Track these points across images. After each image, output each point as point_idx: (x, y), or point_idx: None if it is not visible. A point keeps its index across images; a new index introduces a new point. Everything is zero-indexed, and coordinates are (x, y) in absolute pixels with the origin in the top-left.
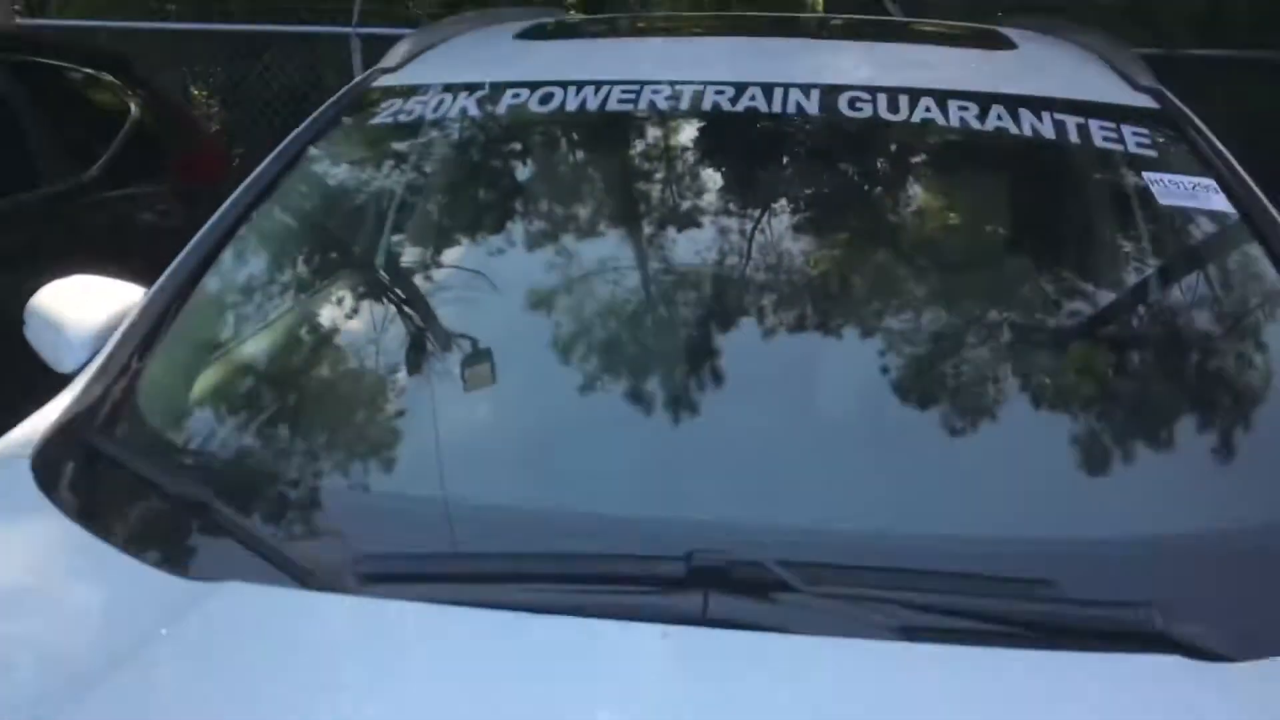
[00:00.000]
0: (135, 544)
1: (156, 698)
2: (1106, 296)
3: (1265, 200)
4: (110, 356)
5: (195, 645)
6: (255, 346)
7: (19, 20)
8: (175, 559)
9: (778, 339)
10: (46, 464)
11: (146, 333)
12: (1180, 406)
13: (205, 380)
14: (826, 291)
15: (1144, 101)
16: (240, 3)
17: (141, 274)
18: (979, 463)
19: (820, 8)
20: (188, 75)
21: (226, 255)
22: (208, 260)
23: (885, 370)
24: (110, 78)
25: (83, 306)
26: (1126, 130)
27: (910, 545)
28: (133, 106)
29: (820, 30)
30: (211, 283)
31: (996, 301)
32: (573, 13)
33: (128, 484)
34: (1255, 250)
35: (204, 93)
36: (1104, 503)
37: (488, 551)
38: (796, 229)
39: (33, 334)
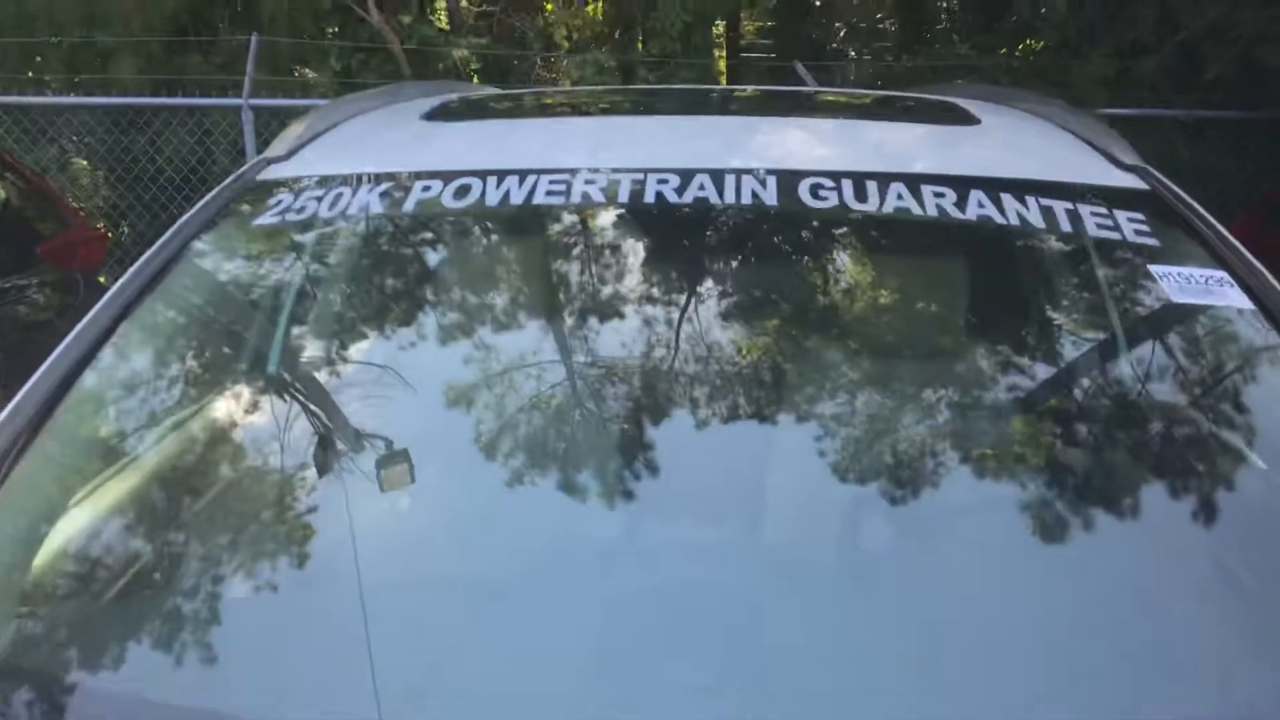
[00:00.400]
0: None
1: None
2: (1114, 410)
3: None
4: None
5: None
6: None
7: None
8: None
9: (711, 450)
10: None
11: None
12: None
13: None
14: (780, 406)
15: (1131, 182)
16: (126, 72)
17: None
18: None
19: (723, 80)
20: (71, 149)
21: (88, 378)
22: (66, 383)
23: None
24: None
25: None
26: (1121, 216)
27: None
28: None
29: (760, 106)
30: (65, 415)
31: (997, 421)
32: (481, 85)
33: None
34: (1268, 348)
35: (88, 165)
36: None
37: None
38: (757, 332)
39: None
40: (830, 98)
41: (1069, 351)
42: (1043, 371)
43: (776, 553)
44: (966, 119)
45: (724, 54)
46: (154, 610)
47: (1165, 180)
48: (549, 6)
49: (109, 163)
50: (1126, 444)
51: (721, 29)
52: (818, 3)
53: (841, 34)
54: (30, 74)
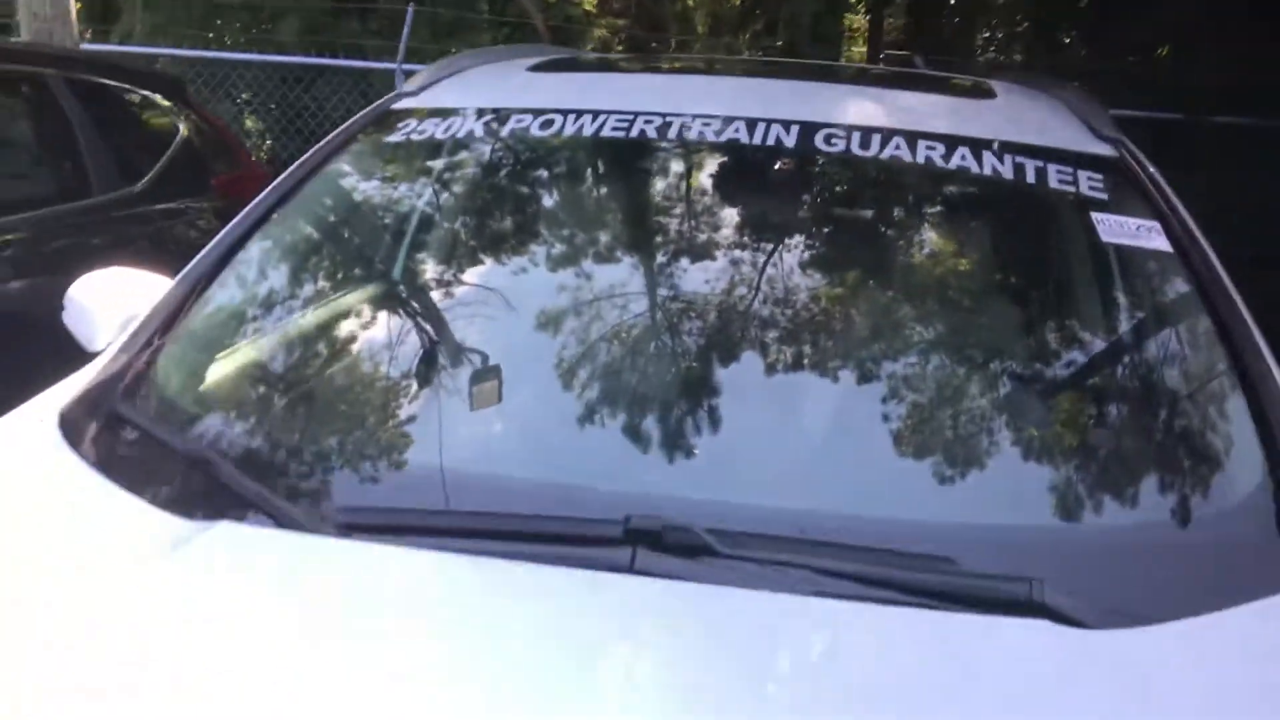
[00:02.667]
0: (144, 489)
1: (143, 616)
2: (1035, 320)
3: (1205, 246)
4: (134, 336)
5: (185, 573)
6: (259, 331)
7: (83, 44)
8: (178, 503)
9: (742, 336)
10: (71, 422)
11: (166, 317)
12: (1080, 418)
13: (215, 360)
14: (782, 299)
15: (1104, 150)
16: (292, 35)
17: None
18: (902, 456)
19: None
20: (243, 107)
21: (244, 252)
22: (227, 256)
23: (825, 370)
24: (163, 100)
25: (113, 294)
26: (1082, 175)
27: (841, 524)
28: (180, 126)
29: (818, 75)
30: (228, 276)
31: (935, 317)
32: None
33: (141, 441)
34: (1186, 288)
35: (259, 125)
36: (1003, 496)
37: (443, 509)
38: (760, 245)
39: (69, 318)
40: (880, 73)
41: (1010, 269)
42: (984, 279)
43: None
44: (986, 94)
45: (864, 47)
46: (291, 413)
47: (1137, 153)
48: None
49: (275, 116)
50: (1029, 341)
51: (863, 22)
52: (952, 1)
53: (983, 36)
54: (210, 34)
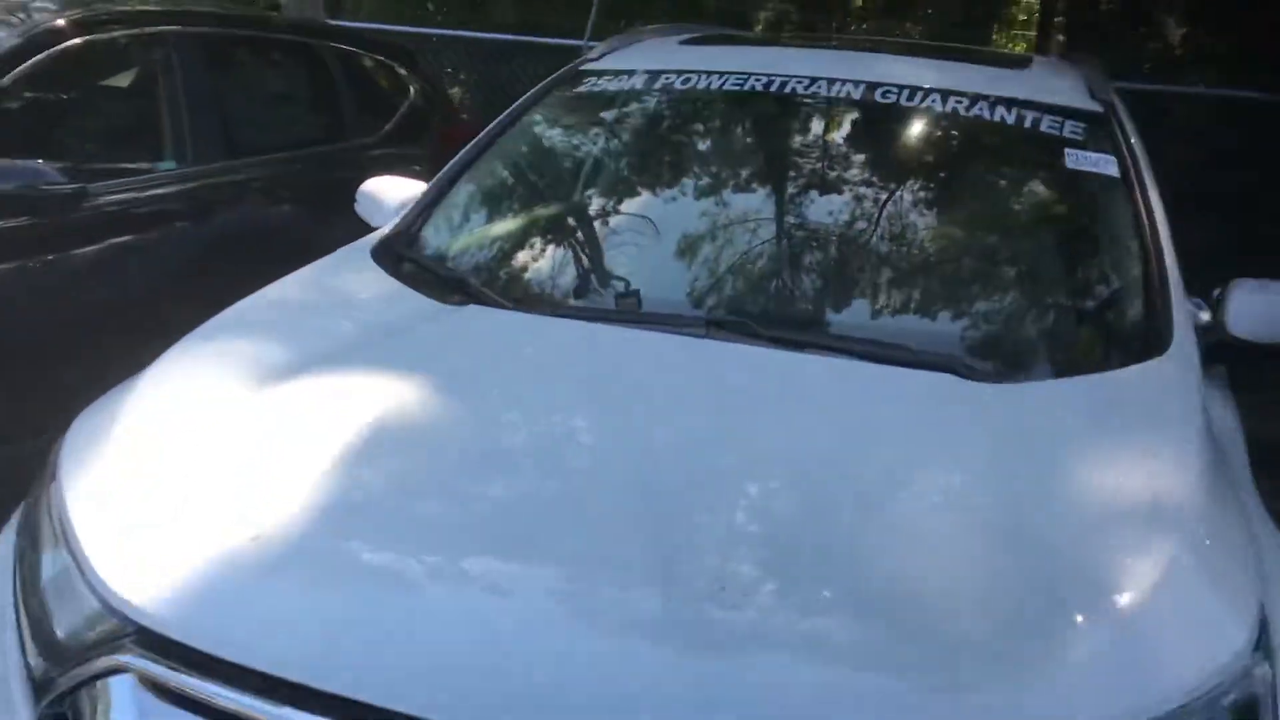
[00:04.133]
0: (418, 287)
1: (420, 351)
2: (1002, 209)
3: (1148, 178)
4: (406, 215)
5: (443, 328)
6: (486, 214)
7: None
8: (441, 297)
9: (808, 213)
10: (377, 253)
11: (425, 205)
12: (1010, 265)
13: (466, 233)
14: (834, 190)
15: (1093, 107)
16: (495, 13)
17: None
18: (884, 290)
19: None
20: (449, 79)
21: (473, 169)
22: (463, 169)
23: (845, 237)
24: (399, 66)
25: (390, 190)
26: (1069, 123)
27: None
28: (411, 89)
29: (899, 50)
30: (462, 183)
31: (931, 205)
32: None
33: (422, 269)
34: (1121, 200)
35: (463, 93)
36: (949, 313)
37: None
38: (833, 159)
39: (360, 207)
40: (949, 48)
41: (999, 181)
42: (978, 184)
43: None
44: (1022, 65)
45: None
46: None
47: (1120, 113)
48: None
49: (478, 85)
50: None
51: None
52: None
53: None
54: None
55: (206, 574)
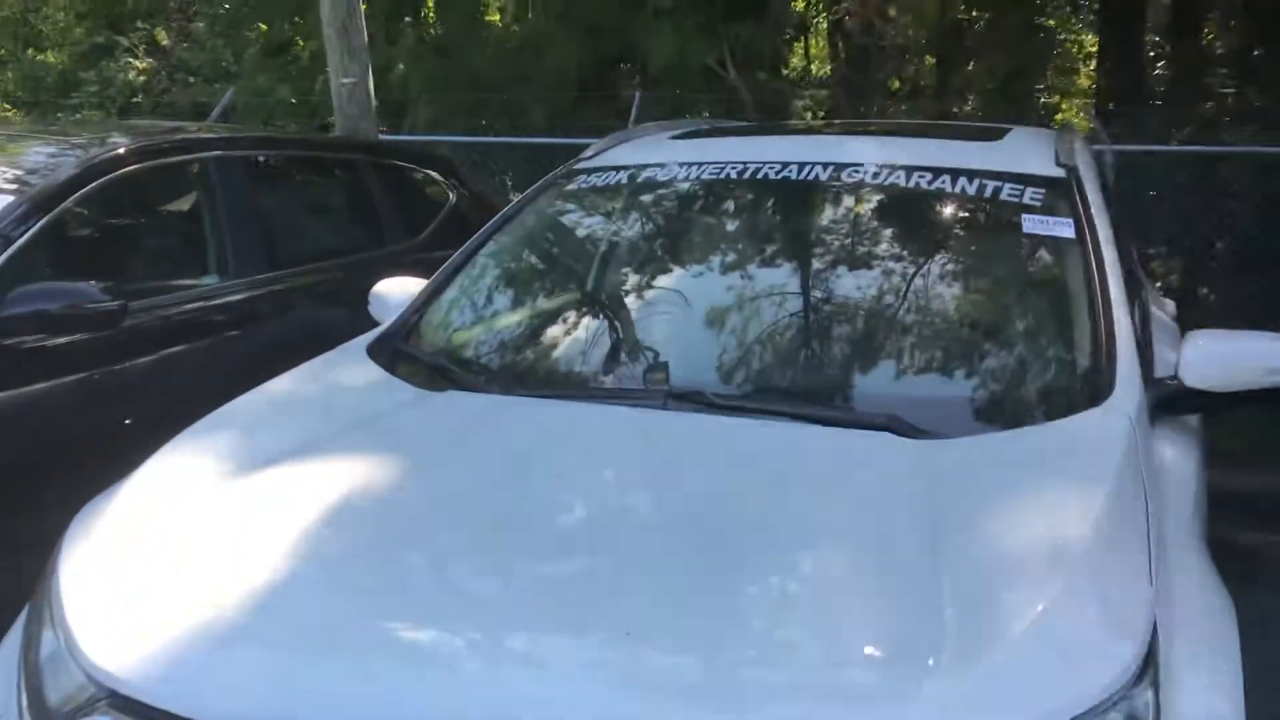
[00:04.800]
0: (405, 377)
1: (405, 434)
2: (957, 270)
3: (1104, 237)
4: (404, 312)
5: (419, 413)
6: (476, 307)
7: (381, 136)
8: (425, 385)
9: (765, 289)
10: (371, 347)
11: (421, 301)
12: (955, 325)
13: (454, 323)
14: (816, 265)
15: (1057, 174)
16: (540, 121)
17: None
18: (831, 349)
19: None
20: (506, 183)
21: (472, 263)
22: (459, 267)
23: (794, 304)
24: (437, 175)
25: (395, 289)
26: (1029, 190)
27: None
28: (451, 195)
29: (880, 131)
30: (459, 278)
31: (890, 274)
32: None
33: (410, 360)
34: (1076, 258)
35: (511, 191)
36: (882, 367)
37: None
38: (795, 237)
39: (372, 308)
40: (929, 127)
41: (956, 248)
42: (939, 251)
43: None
44: (996, 137)
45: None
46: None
47: (1082, 176)
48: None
49: (522, 185)
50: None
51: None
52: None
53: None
54: (481, 122)
55: (172, 643)
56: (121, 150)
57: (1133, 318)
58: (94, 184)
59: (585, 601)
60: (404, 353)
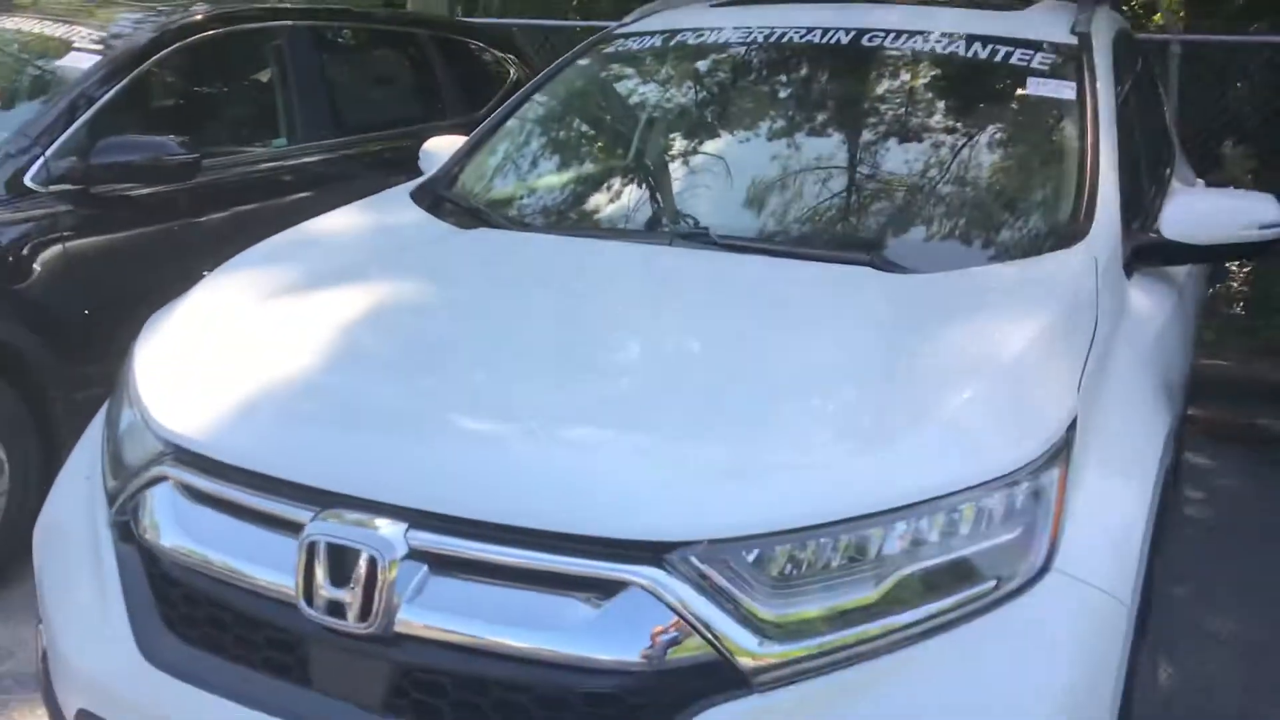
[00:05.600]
0: (442, 216)
1: (439, 262)
2: (958, 129)
3: (1105, 96)
4: (447, 162)
5: (448, 246)
6: (511, 155)
7: (457, 17)
8: (458, 223)
9: (778, 144)
10: (415, 192)
11: (463, 154)
12: (945, 173)
13: (488, 172)
14: (822, 121)
15: (1069, 40)
16: (608, 7)
17: None
18: (823, 208)
19: None
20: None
21: (510, 120)
22: (500, 122)
23: (801, 156)
24: (500, 53)
25: (443, 146)
26: (1039, 56)
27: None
28: (512, 71)
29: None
30: (498, 133)
31: (895, 130)
32: None
33: (447, 203)
34: (1072, 117)
35: None
36: (871, 211)
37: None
38: (818, 94)
39: (422, 163)
40: None
41: (961, 107)
42: (949, 108)
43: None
44: (1022, 5)
45: None
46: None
47: (1094, 44)
48: None
49: None
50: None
51: None
52: None
53: None
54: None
55: (224, 406)
56: (199, 17)
57: (1122, 176)
58: (171, 48)
59: (583, 383)
60: (443, 197)
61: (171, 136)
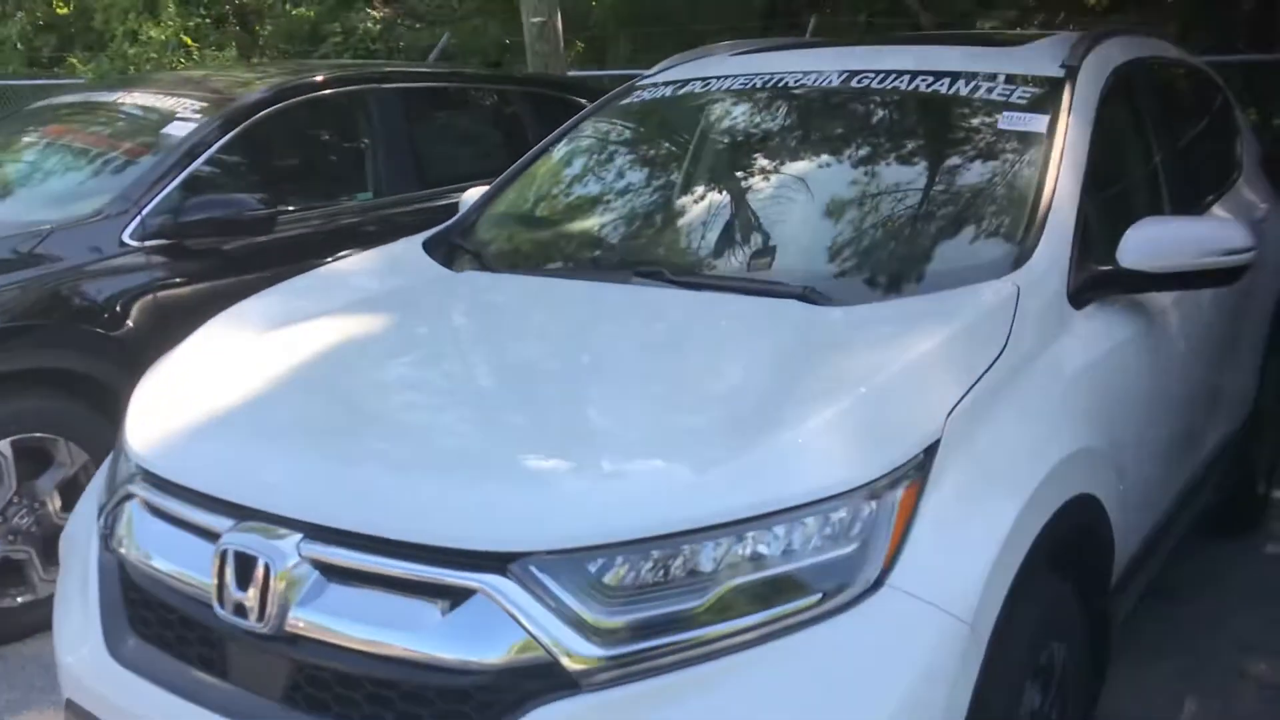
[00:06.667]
0: (443, 261)
1: (434, 299)
2: (924, 163)
3: (1080, 130)
4: (465, 212)
5: (437, 287)
6: (518, 206)
7: (571, 73)
8: (453, 266)
9: (746, 185)
10: (427, 240)
11: (480, 204)
12: (889, 206)
13: (496, 219)
14: (793, 164)
15: (1054, 74)
16: None
17: None
18: (773, 233)
19: None
20: None
21: (526, 171)
22: (517, 172)
23: (757, 196)
24: (585, 101)
25: (474, 195)
26: (1018, 90)
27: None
28: None
29: (908, 41)
30: (516, 181)
31: (863, 171)
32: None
33: (454, 248)
34: (1038, 151)
35: None
36: (816, 249)
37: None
38: (815, 131)
39: (460, 209)
40: (950, 35)
41: (927, 141)
42: (923, 144)
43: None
44: (1018, 43)
45: None
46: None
47: (1081, 76)
48: None
49: None
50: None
51: None
52: None
53: None
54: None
55: (176, 430)
56: (297, 81)
57: (1090, 206)
58: (273, 107)
59: (463, 408)
60: (453, 243)
61: (253, 195)
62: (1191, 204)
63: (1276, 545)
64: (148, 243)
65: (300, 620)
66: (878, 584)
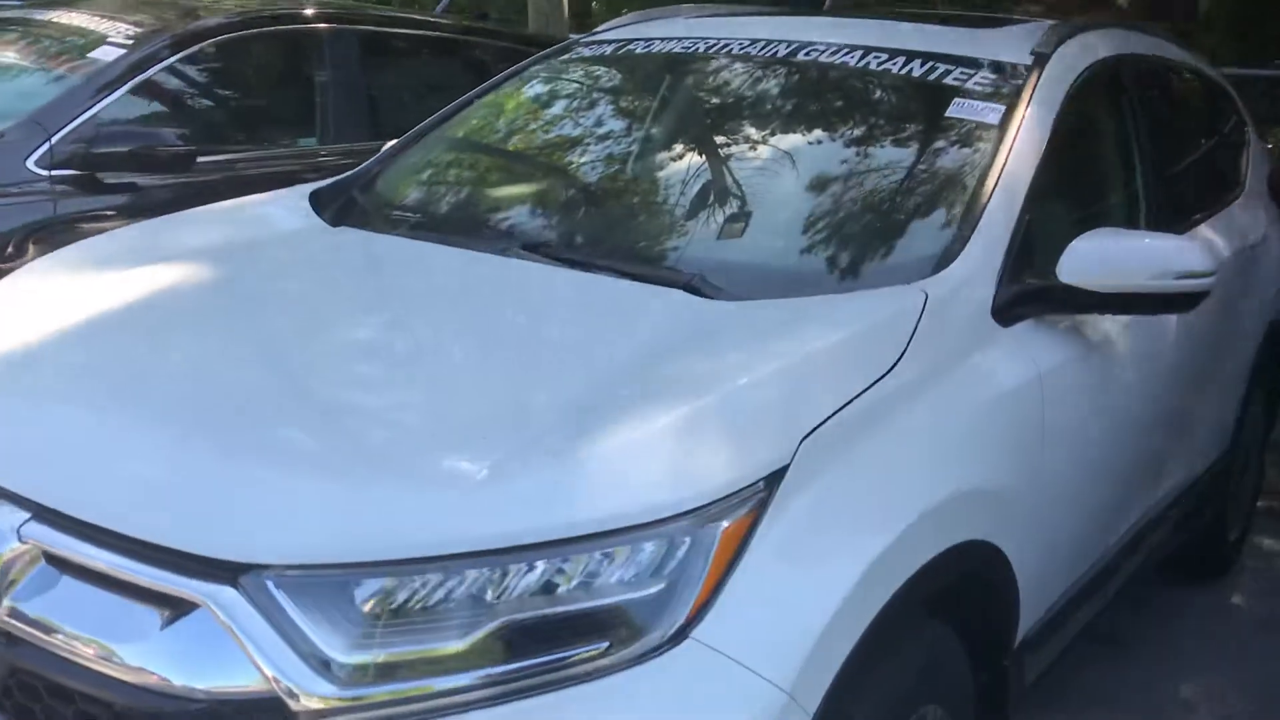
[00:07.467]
0: (323, 215)
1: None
2: (851, 152)
3: (1037, 122)
4: (370, 162)
5: (310, 241)
6: (416, 164)
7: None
8: (332, 222)
9: (652, 161)
10: (321, 190)
11: (381, 159)
12: (819, 204)
13: (393, 176)
14: (741, 138)
15: (1022, 60)
16: None
17: None
18: (677, 217)
19: None
20: None
21: (451, 122)
22: (427, 130)
23: (668, 175)
24: None
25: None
26: (977, 74)
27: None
28: None
29: (875, 14)
30: (434, 133)
31: (785, 153)
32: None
33: (344, 204)
34: (986, 144)
35: None
36: (712, 235)
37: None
38: (746, 106)
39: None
40: (929, 14)
41: (869, 126)
42: (869, 128)
43: None
44: (996, 25)
45: None
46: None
47: (1051, 65)
48: None
49: None
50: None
51: None
52: None
53: None
54: None
55: None
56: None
57: (1024, 214)
58: (212, 40)
59: (240, 387)
60: (349, 196)
61: (173, 129)
62: (1173, 221)
63: (1244, 597)
64: (55, 171)
65: (15, 616)
66: (679, 635)
